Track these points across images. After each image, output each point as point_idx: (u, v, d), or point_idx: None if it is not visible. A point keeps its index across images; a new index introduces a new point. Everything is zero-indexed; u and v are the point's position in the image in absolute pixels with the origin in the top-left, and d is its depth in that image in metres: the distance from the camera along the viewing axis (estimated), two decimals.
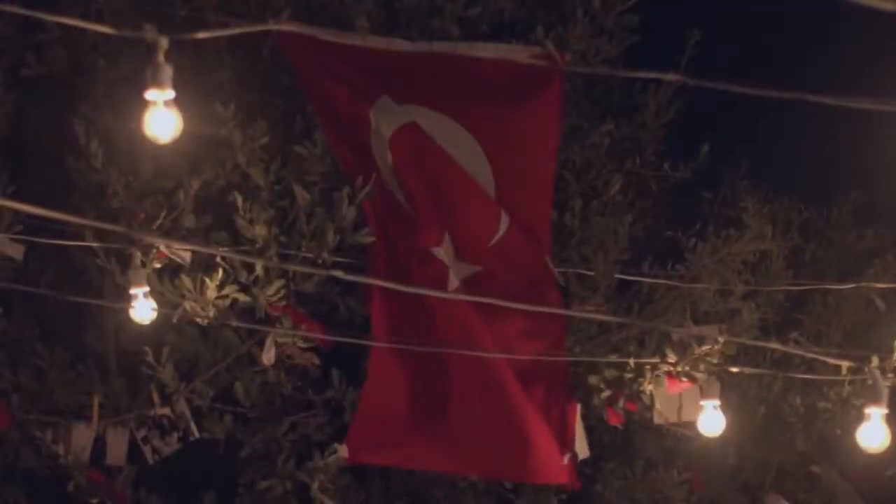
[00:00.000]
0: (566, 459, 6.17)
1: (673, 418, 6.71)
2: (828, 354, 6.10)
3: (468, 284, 6.02)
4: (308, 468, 6.36)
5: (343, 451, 6.31)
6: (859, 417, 5.69)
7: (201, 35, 4.79)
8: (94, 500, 6.41)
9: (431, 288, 5.96)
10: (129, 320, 6.09)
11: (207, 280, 6.11)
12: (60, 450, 6.35)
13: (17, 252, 6.19)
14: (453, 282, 6.04)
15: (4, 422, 6.32)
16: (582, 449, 6.35)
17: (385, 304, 6.26)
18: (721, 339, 6.32)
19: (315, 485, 6.32)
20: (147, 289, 6.03)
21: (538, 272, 6.12)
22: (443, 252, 6.06)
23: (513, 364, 6.04)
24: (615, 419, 6.80)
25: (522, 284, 6.07)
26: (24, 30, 6.69)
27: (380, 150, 6.06)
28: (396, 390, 6.28)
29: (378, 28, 6.70)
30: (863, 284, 7.55)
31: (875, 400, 5.28)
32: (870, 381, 5.45)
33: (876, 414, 5.30)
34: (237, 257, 6.00)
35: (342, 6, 6.71)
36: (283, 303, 6.23)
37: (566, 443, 6.20)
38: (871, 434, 5.33)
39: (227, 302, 6.16)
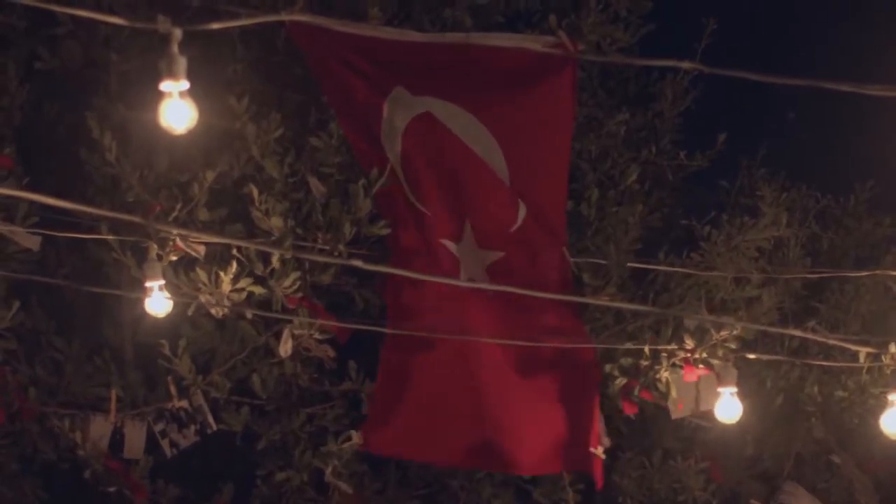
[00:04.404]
0: (596, 452, 6.16)
1: (690, 407, 6.67)
2: (847, 341, 6.07)
3: (492, 271, 6.00)
4: (322, 453, 6.37)
5: (358, 437, 6.31)
6: (877, 406, 5.66)
7: (215, 26, 4.77)
8: (112, 490, 6.40)
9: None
10: (146, 313, 6.08)
11: (222, 274, 6.10)
12: (77, 437, 6.34)
13: (34, 243, 6.18)
14: (464, 276, 6.01)
15: (28, 413, 6.31)
16: (601, 439, 6.33)
17: (399, 299, 6.24)
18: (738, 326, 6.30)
19: (329, 469, 6.32)
20: (163, 282, 6.02)
21: (554, 265, 6.09)
22: (455, 246, 6.04)
23: (531, 355, 6.02)
24: (630, 409, 6.78)
25: (540, 276, 6.04)
26: (37, 23, 6.68)
27: (390, 142, 6.05)
28: (411, 385, 6.27)
29: (391, 18, 6.68)
30: (880, 272, 7.52)
31: None
32: (888, 370, 5.43)
33: None
34: (256, 247, 5.99)
35: None
36: (300, 294, 6.22)
37: (592, 436, 6.19)
38: (894, 421, 5.31)
39: (243, 295, 6.15)
